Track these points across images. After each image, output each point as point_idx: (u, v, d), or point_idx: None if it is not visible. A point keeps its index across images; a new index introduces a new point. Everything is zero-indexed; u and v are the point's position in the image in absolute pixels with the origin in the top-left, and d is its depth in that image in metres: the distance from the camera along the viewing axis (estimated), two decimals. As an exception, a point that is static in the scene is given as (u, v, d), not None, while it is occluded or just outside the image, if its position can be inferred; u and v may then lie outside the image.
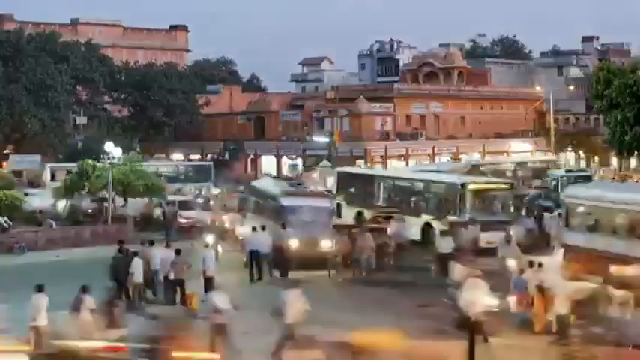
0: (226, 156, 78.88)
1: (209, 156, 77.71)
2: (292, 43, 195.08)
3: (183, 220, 40.56)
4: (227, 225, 37.11)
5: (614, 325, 18.94)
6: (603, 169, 68.77)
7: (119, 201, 43.50)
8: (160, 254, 25.97)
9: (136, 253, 25.31)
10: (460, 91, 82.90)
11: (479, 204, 33.88)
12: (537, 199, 40.95)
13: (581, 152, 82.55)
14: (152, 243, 26.99)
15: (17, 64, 70.12)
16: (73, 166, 47.30)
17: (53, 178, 54.89)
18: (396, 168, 62.66)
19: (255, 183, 43.51)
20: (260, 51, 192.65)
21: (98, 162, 43.22)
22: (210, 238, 30.00)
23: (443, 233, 30.24)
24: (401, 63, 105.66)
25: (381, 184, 40.77)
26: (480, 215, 32.35)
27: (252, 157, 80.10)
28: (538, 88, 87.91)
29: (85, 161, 43.95)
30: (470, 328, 17.26)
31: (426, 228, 34.58)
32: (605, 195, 25.39)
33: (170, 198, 45.08)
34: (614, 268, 21.33)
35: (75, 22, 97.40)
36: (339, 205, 38.79)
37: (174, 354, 14.94)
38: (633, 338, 18.23)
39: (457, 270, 21.63)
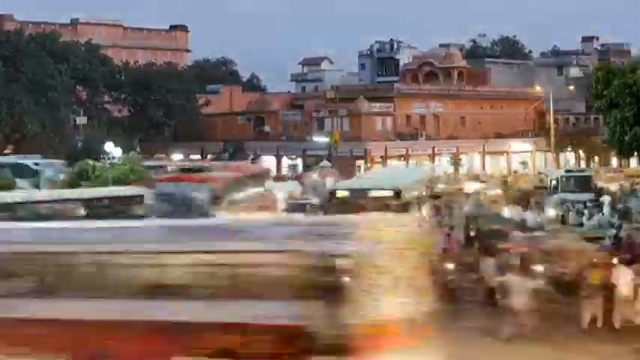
0: (226, 156, 78.81)
1: (209, 156, 77.58)
2: (292, 43, 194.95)
3: None
4: None
5: None
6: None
7: None
8: None
9: None
10: (460, 91, 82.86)
11: None
12: None
13: (581, 152, 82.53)
14: None
15: (17, 64, 69.97)
16: None
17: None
18: None
19: None
20: (260, 51, 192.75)
21: (98, 162, 43.20)
22: None
23: None
24: (401, 63, 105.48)
25: None
26: None
27: (252, 157, 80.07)
28: (538, 88, 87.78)
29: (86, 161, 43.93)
30: None
31: None
32: None
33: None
34: None
35: (75, 22, 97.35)
36: None
37: None
38: None
39: None
